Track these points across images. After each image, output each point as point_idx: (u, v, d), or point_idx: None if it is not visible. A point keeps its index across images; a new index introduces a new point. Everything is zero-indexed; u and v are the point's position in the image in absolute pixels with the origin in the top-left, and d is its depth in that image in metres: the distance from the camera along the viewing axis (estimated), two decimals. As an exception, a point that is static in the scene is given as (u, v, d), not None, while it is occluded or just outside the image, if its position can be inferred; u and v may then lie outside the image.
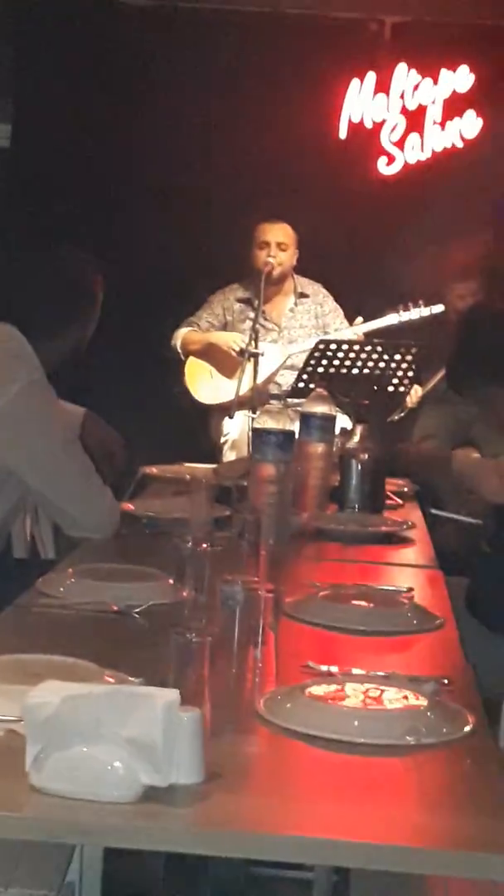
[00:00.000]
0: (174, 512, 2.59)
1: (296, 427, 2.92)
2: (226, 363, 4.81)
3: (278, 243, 4.87)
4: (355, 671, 1.64)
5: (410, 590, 2.13)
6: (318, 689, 1.51)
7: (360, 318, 4.90)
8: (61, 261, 2.68)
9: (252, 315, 4.75)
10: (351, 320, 4.98)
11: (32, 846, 1.56)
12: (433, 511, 2.98)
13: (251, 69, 5.50)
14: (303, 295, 5.00)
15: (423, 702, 1.48)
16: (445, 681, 1.63)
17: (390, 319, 4.86)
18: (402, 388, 4.40)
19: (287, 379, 4.72)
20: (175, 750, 1.22)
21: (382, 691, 1.50)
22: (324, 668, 1.66)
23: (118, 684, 1.39)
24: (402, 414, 4.69)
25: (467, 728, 1.46)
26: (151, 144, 5.48)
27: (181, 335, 4.95)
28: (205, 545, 1.87)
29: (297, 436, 2.71)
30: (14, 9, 5.57)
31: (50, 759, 1.21)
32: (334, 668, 1.65)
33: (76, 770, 1.21)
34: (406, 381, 4.44)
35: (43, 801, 1.22)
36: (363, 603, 2.00)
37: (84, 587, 1.99)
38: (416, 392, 4.71)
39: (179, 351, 4.93)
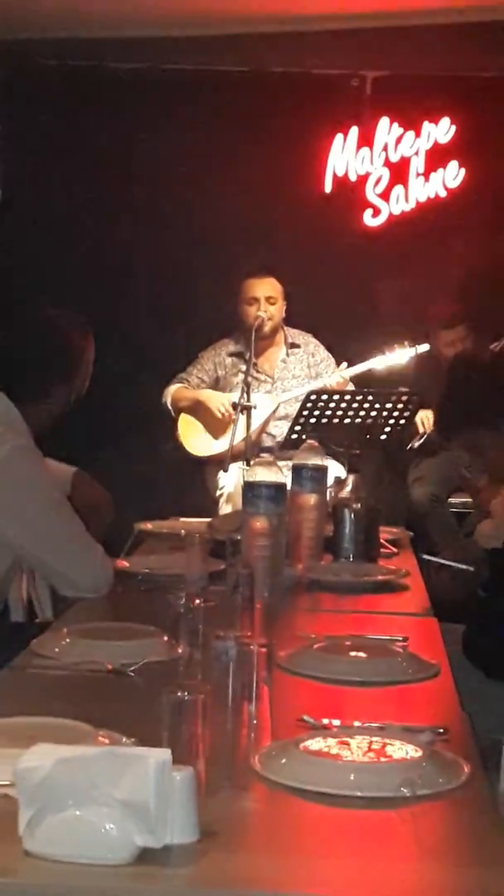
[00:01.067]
0: (169, 568, 2.59)
1: (288, 479, 2.93)
2: (213, 422, 4.85)
3: (267, 297, 4.93)
4: (351, 723, 1.63)
5: (406, 639, 2.13)
6: (314, 744, 1.51)
7: (344, 364, 4.94)
8: (49, 323, 2.70)
9: (244, 368, 4.79)
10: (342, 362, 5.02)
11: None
12: (426, 557, 2.98)
13: (236, 127, 5.59)
14: (294, 345, 5.04)
15: (418, 752, 1.48)
16: (441, 730, 1.63)
17: (376, 362, 4.89)
18: (397, 430, 4.43)
19: (281, 430, 4.75)
20: (169, 810, 1.22)
21: (385, 744, 1.50)
22: (322, 720, 1.65)
23: (110, 745, 1.39)
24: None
25: (463, 778, 1.45)
26: (141, 202, 5.56)
27: (171, 392, 4.99)
28: (198, 601, 1.88)
29: (289, 487, 2.72)
30: (3, 73, 5.66)
31: (43, 823, 1.21)
32: (330, 721, 1.65)
33: (70, 833, 1.21)
34: (399, 429, 4.47)
35: (38, 866, 1.21)
36: (358, 654, 1.99)
37: (79, 647, 1.99)
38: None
39: (170, 407, 4.97)
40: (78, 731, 1.50)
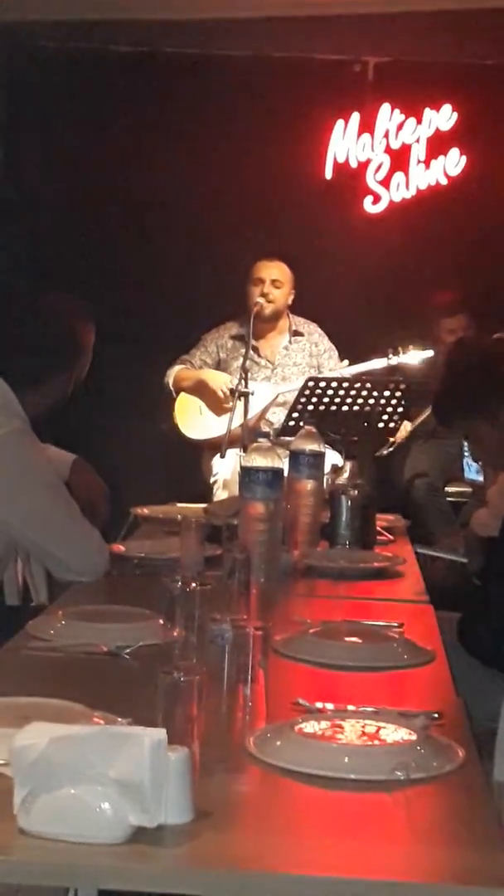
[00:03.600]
0: (165, 552, 2.60)
1: (285, 464, 2.93)
2: (215, 401, 4.84)
3: (273, 280, 4.93)
4: (345, 707, 1.64)
5: (401, 625, 2.13)
6: (308, 726, 1.51)
7: (345, 361, 4.92)
8: (50, 310, 2.69)
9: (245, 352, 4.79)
10: (342, 357, 5.01)
11: (25, 890, 1.55)
12: (419, 549, 2.98)
13: (237, 111, 5.57)
14: (297, 333, 5.04)
15: (413, 736, 1.48)
16: (436, 715, 1.63)
17: (378, 363, 4.87)
18: (391, 424, 4.43)
19: (279, 416, 4.75)
20: (163, 789, 1.22)
21: (379, 727, 1.50)
22: (315, 704, 1.66)
23: (105, 725, 1.39)
24: (391, 449, 4.71)
25: (457, 762, 1.45)
26: (141, 185, 5.54)
27: (174, 372, 4.98)
28: (194, 584, 1.88)
29: (286, 473, 2.72)
30: (5, 55, 5.64)
31: (38, 801, 1.21)
32: (324, 705, 1.65)
33: (65, 812, 1.21)
34: (396, 417, 4.47)
35: (32, 844, 1.21)
36: (353, 639, 2.00)
37: (74, 629, 1.99)
38: (405, 428, 4.73)
39: (172, 388, 4.96)
40: (73, 711, 1.50)
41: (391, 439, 4.75)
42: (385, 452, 4.72)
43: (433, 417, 3.60)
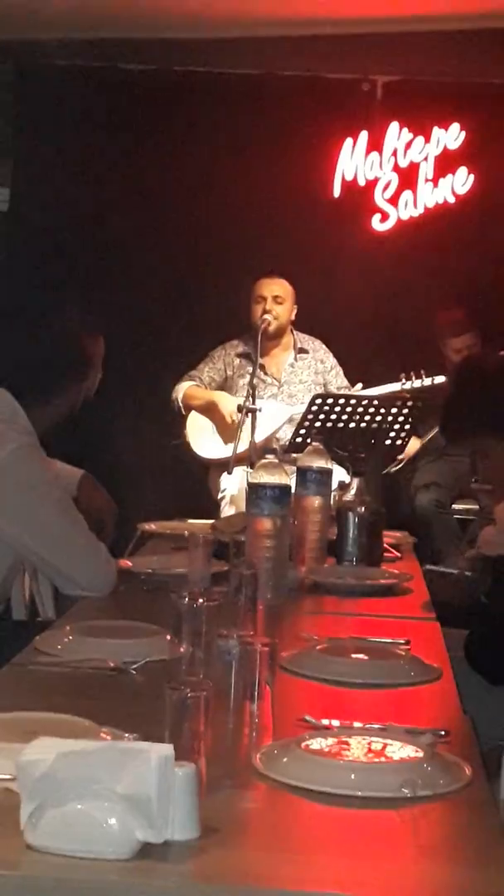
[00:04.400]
0: (172, 568, 2.60)
1: (292, 481, 2.93)
2: (224, 426, 4.84)
3: (274, 296, 4.94)
4: (352, 724, 1.64)
5: (408, 642, 2.13)
6: (315, 743, 1.51)
7: (359, 385, 4.93)
8: (58, 325, 2.70)
9: (251, 370, 4.79)
10: (350, 377, 5.02)
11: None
12: (428, 567, 2.98)
13: (246, 130, 5.60)
14: (302, 350, 5.05)
15: (420, 754, 1.48)
16: (443, 732, 1.63)
17: (392, 387, 4.87)
18: (398, 441, 4.43)
19: (287, 433, 4.75)
20: (170, 805, 1.22)
21: (386, 745, 1.50)
22: (322, 721, 1.65)
23: (112, 740, 1.39)
24: (400, 466, 4.71)
25: (464, 780, 1.45)
26: (150, 203, 5.57)
27: (183, 389, 4.99)
28: (201, 600, 1.88)
29: (293, 490, 2.72)
30: (15, 73, 5.68)
31: (45, 816, 1.21)
32: (331, 722, 1.65)
33: (71, 827, 1.21)
34: (403, 434, 4.47)
35: (39, 860, 1.21)
36: (360, 656, 2.00)
37: (81, 644, 1.99)
38: (413, 445, 4.73)
39: (181, 405, 4.97)
40: (80, 726, 1.50)
41: (399, 457, 4.75)
42: (393, 470, 4.72)
43: (441, 434, 3.61)
